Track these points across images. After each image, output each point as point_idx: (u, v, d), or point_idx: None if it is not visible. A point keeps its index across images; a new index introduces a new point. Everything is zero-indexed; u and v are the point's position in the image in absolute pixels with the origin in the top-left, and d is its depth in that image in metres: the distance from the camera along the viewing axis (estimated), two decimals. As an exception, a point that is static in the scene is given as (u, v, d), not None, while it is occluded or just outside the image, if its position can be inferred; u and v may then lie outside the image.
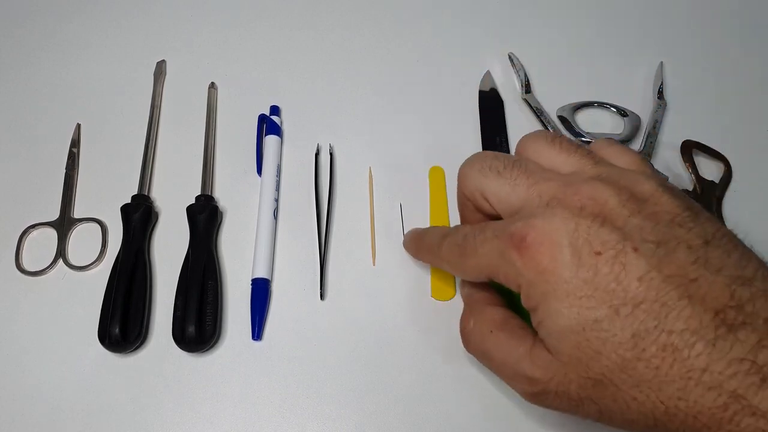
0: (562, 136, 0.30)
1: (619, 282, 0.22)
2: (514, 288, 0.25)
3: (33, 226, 0.38)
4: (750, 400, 0.20)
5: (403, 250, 0.35)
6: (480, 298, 0.29)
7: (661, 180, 0.26)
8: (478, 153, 0.30)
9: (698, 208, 0.25)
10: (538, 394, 0.25)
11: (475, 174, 0.28)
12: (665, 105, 0.43)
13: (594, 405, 0.23)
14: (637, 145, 0.41)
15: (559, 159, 0.28)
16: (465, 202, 0.30)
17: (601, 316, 0.22)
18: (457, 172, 0.30)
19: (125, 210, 0.37)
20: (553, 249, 0.23)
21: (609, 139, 0.30)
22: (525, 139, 0.30)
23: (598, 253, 0.23)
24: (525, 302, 0.25)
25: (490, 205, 0.28)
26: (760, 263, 0.24)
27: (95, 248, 0.37)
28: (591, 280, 0.23)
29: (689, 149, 0.40)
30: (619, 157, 0.28)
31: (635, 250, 0.23)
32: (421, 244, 0.32)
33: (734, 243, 0.24)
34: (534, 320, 0.25)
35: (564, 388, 0.24)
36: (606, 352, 0.22)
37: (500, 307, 0.28)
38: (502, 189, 0.27)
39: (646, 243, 0.23)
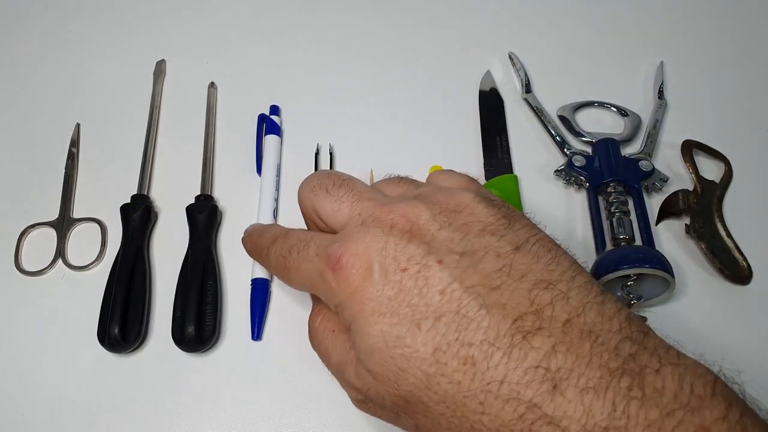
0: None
1: (422, 296, 0.22)
2: (333, 308, 0.25)
3: (32, 226, 0.38)
4: (544, 408, 0.20)
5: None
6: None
7: (481, 191, 0.27)
8: (316, 172, 0.31)
9: (516, 216, 0.25)
10: (361, 402, 0.25)
11: (307, 193, 0.29)
12: (666, 105, 0.43)
13: (410, 420, 0.23)
14: (637, 144, 0.41)
15: (390, 186, 0.29)
16: (305, 219, 0.30)
17: (403, 333, 0.22)
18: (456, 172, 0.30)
19: (124, 210, 0.37)
20: (364, 269, 0.23)
21: (447, 170, 0.31)
22: (379, 183, 0.30)
23: (404, 270, 0.23)
24: (343, 322, 0.25)
25: (324, 222, 0.28)
26: (570, 265, 0.23)
27: (94, 248, 0.37)
28: (395, 297, 0.22)
29: (690, 149, 0.40)
30: (446, 179, 0.28)
31: (439, 262, 0.23)
32: (253, 245, 0.31)
33: (547, 248, 0.24)
34: (351, 340, 0.24)
35: (380, 401, 0.24)
36: (411, 369, 0.22)
37: None
38: (329, 206, 0.27)
39: (451, 254, 0.23)
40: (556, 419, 0.20)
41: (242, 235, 0.32)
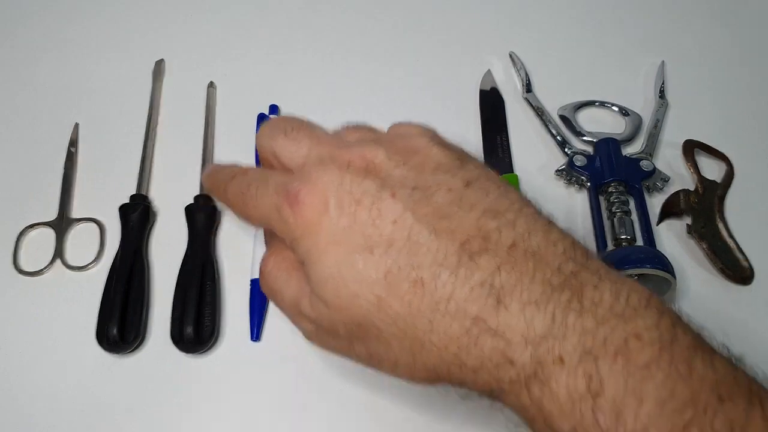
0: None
1: (375, 226, 0.23)
2: (288, 242, 0.26)
3: (31, 226, 0.38)
4: (488, 322, 0.21)
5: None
6: (282, 242, 0.30)
7: (438, 137, 0.28)
8: (274, 118, 0.30)
9: (470, 158, 0.27)
10: (315, 333, 0.26)
11: (266, 137, 0.29)
12: (667, 104, 0.43)
13: (362, 346, 0.24)
14: (638, 144, 0.41)
15: (350, 132, 0.30)
16: (263, 165, 0.31)
17: (356, 260, 0.23)
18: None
19: (123, 210, 0.37)
20: (320, 204, 0.24)
21: (407, 121, 0.31)
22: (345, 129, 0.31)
23: (359, 203, 0.24)
24: (298, 258, 0.25)
25: (282, 165, 0.29)
26: (519, 199, 0.25)
27: (93, 248, 0.37)
28: (349, 228, 0.24)
29: (691, 149, 0.40)
30: (406, 128, 0.29)
31: (393, 195, 0.24)
32: (212, 182, 0.32)
33: (498, 185, 0.25)
34: (305, 273, 0.25)
35: (334, 330, 0.25)
36: (363, 294, 0.23)
37: None
38: (288, 149, 0.28)
39: (404, 188, 0.24)
40: (500, 331, 0.21)
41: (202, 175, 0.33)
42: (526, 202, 0.25)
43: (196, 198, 0.38)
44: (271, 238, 0.30)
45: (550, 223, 0.24)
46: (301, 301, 0.26)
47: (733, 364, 0.21)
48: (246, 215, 0.29)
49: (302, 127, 0.29)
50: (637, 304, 0.21)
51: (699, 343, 0.21)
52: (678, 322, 0.21)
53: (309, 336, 0.27)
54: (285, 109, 0.43)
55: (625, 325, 0.20)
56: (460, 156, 0.26)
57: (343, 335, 0.24)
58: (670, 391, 0.20)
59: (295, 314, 0.27)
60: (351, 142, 0.27)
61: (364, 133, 0.29)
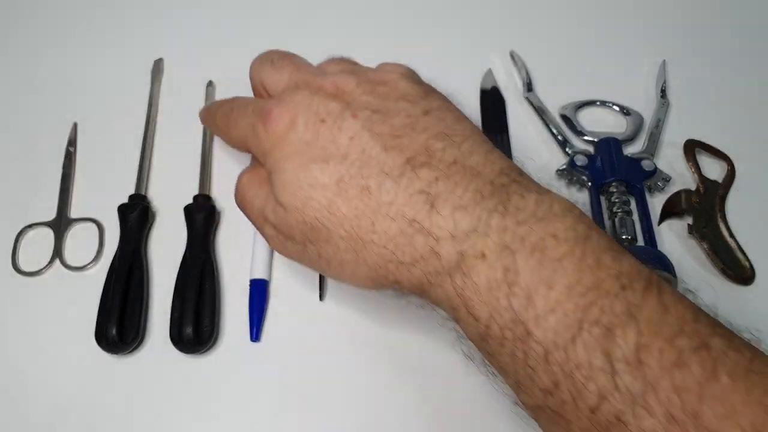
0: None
1: (334, 141, 0.26)
2: (260, 158, 0.29)
3: (29, 226, 0.38)
4: (422, 223, 0.24)
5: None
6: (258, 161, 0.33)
7: (412, 74, 0.31)
8: (266, 51, 0.34)
9: (435, 93, 0.30)
10: (276, 238, 0.29)
11: (256, 68, 0.33)
12: (668, 104, 0.43)
13: (314, 248, 0.27)
14: (639, 144, 0.41)
15: (331, 64, 0.32)
16: (254, 93, 0.34)
17: (314, 168, 0.26)
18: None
19: (122, 210, 0.37)
20: (289, 120, 0.27)
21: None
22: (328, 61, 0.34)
23: (323, 121, 0.27)
24: (267, 168, 0.28)
25: (268, 93, 0.32)
26: (472, 128, 0.28)
27: (92, 248, 0.37)
28: (311, 141, 0.27)
29: (692, 148, 0.40)
30: (387, 65, 0.32)
31: (354, 116, 0.27)
32: (206, 113, 0.36)
33: (455, 115, 0.28)
34: (270, 183, 0.28)
35: (290, 232, 0.27)
36: (316, 197, 0.26)
37: None
38: (272, 77, 0.31)
39: (365, 111, 0.27)
40: (431, 231, 0.24)
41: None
42: (478, 132, 0.28)
43: (195, 198, 0.37)
44: (253, 160, 0.33)
45: (493, 149, 0.27)
46: (266, 208, 0.29)
47: (640, 263, 0.23)
48: (228, 136, 0.32)
49: (287, 57, 0.32)
50: (558, 210, 0.24)
51: (612, 245, 0.23)
52: (594, 227, 0.24)
53: (272, 242, 0.30)
54: (285, 109, 0.43)
55: (544, 226, 0.23)
56: (426, 90, 0.29)
57: (299, 239, 0.27)
58: (577, 279, 0.22)
59: (261, 221, 0.30)
60: (328, 72, 0.30)
61: (344, 65, 0.32)
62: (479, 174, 0.25)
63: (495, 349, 0.23)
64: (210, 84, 0.44)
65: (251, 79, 0.33)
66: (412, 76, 0.30)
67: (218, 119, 0.33)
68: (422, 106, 0.28)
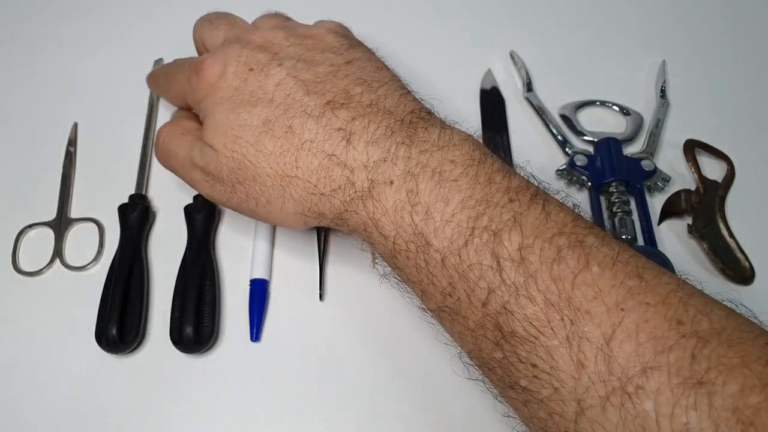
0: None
1: (261, 87, 0.29)
2: (195, 108, 0.32)
3: (30, 226, 0.38)
4: (339, 156, 0.27)
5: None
6: (182, 114, 0.35)
7: (338, 28, 0.34)
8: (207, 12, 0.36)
9: (360, 46, 0.33)
10: (204, 181, 0.31)
11: (197, 27, 0.36)
12: (668, 104, 0.43)
13: (242, 188, 0.29)
14: (639, 144, 0.41)
15: (265, 19, 0.35)
16: (198, 52, 0.37)
17: (243, 111, 0.29)
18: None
19: (122, 210, 0.37)
20: (220, 70, 0.30)
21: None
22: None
23: (251, 69, 0.30)
24: (200, 116, 0.31)
25: (208, 51, 0.35)
26: (391, 77, 0.31)
27: (92, 248, 0.37)
28: (240, 87, 0.29)
29: (692, 148, 0.40)
30: (322, 22, 0.35)
31: (280, 65, 0.29)
32: (150, 77, 0.39)
33: (376, 65, 0.31)
34: (202, 125, 0.30)
35: (219, 173, 0.29)
36: (244, 136, 0.28)
37: (195, 120, 0.33)
38: (210, 34, 0.34)
39: (291, 60, 0.30)
40: (347, 164, 0.27)
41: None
42: (395, 79, 0.30)
43: (195, 198, 0.37)
44: (174, 114, 0.36)
45: (408, 93, 0.30)
46: (193, 153, 0.30)
47: (530, 182, 0.26)
48: (168, 93, 0.35)
49: (224, 16, 0.35)
50: (457, 140, 0.27)
51: (504, 167, 0.26)
52: (490, 153, 0.27)
53: (200, 186, 0.31)
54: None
55: (444, 153, 0.26)
56: (352, 44, 0.32)
57: (227, 179, 0.29)
58: (470, 194, 0.25)
59: (187, 168, 0.31)
60: (260, 27, 0.33)
61: (277, 21, 0.34)
62: (391, 113, 0.28)
63: (402, 262, 0.26)
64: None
65: (194, 39, 0.36)
66: (340, 31, 0.33)
67: (160, 78, 0.36)
68: (345, 56, 0.31)
